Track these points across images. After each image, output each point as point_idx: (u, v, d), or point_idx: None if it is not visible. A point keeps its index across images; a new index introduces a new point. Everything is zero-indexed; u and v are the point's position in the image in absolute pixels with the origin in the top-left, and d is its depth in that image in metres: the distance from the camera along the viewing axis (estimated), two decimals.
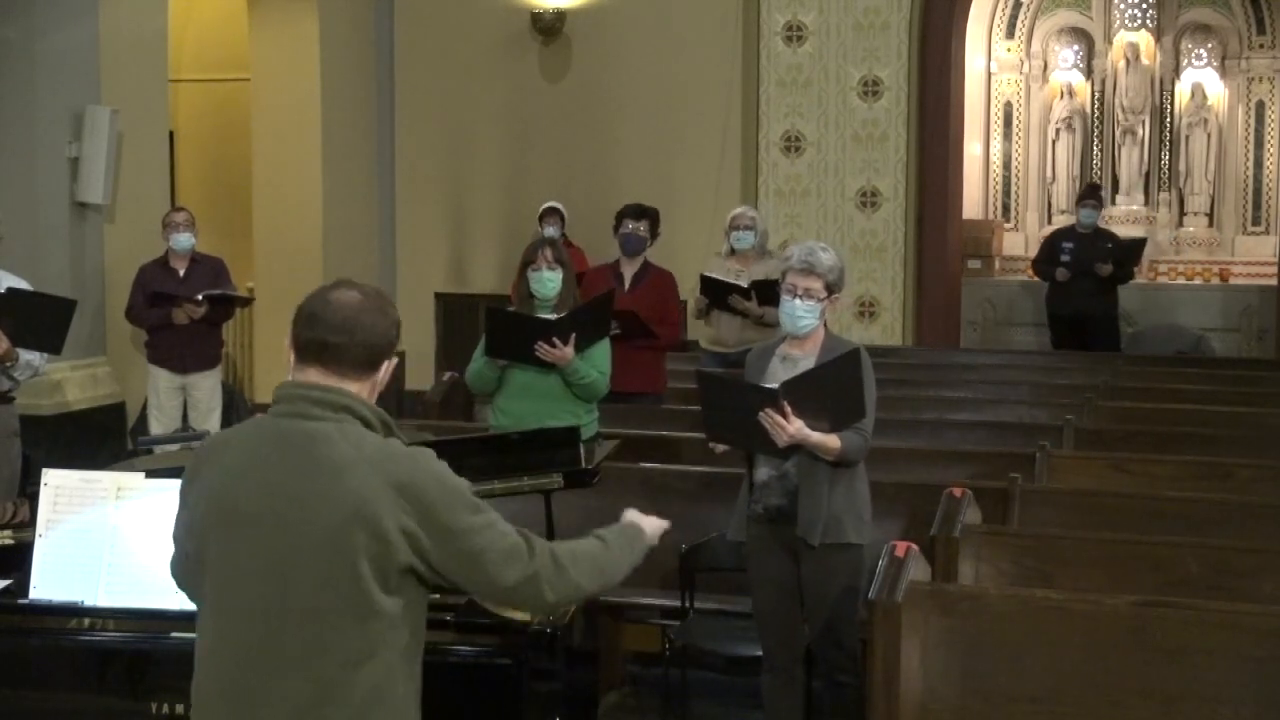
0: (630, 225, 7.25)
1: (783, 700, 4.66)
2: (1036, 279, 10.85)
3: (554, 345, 5.47)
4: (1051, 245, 10.44)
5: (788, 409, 4.28)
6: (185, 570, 2.69)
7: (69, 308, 6.22)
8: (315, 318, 2.60)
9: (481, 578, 2.62)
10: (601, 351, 5.69)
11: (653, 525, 3.17)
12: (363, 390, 2.63)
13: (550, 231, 9.23)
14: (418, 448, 2.64)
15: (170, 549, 2.76)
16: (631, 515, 3.18)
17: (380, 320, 2.62)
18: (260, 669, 2.51)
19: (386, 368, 2.66)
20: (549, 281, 5.62)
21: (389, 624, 2.54)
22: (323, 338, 2.59)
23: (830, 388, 4.35)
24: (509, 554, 2.63)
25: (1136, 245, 10.67)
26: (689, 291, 7.97)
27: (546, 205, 9.83)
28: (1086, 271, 10.06)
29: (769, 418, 4.29)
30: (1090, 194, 10.68)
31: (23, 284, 6.15)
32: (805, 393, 4.31)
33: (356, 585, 2.50)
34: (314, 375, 2.60)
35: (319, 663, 2.50)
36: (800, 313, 4.48)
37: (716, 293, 7.57)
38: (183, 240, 7.98)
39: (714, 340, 7.72)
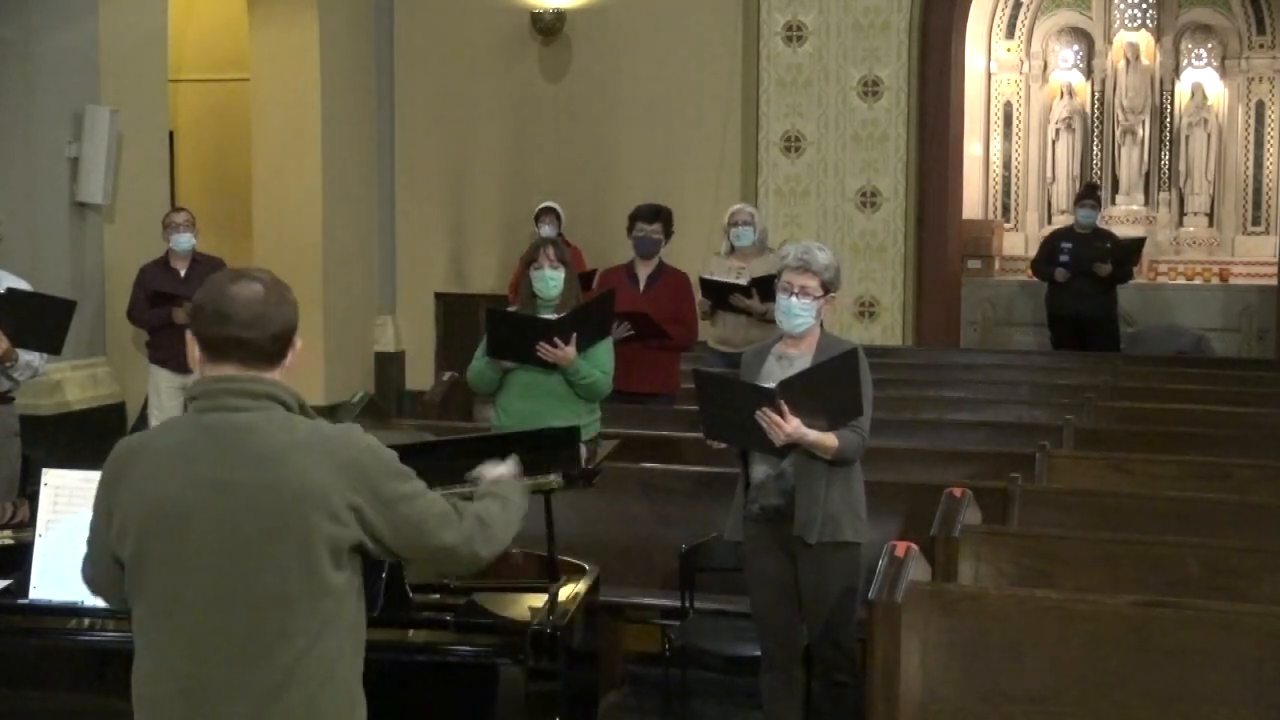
0: (644, 228, 7.22)
1: (782, 700, 4.66)
2: (1036, 279, 10.85)
3: (555, 345, 5.47)
4: (1050, 246, 10.44)
5: (784, 408, 4.29)
6: (110, 577, 2.69)
7: (69, 308, 6.22)
8: (223, 315, 2.62)
9: (424, 542, 2.71)
10: (604, 351, 5.69)
11: (510, 469, 3.25)
12: (276, 376, 2.68)
13: (546, 231, 9.23)
14: (346, 424, 2.72)
15: None
16: (491, 470, 3.22)
17: (284, 309, 2.67)
18: (221, 661, 2.54)
19: (293, 352, 2.71)
20: (551, 281, 5.62)
21: (337, 600, 2.61)
22: (235, 334, 2.62)
23: (827, 386, 4.36)
24: (443, 518, 2.74)
25: (1135, 245, 10.67)
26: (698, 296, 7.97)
27: (542, 205, 9.83)
28: (1086, 272, 10.05)
29: (766, 417, 4.29)
30: (1088, 194, 10.67)
31: (23, 284, 6.15)
32: (802, 392, 4.31)
33: (311, 566, 2.55)
34: (230, 369, 2.64)
35: (280, 647, 2.55)
36: (796, 311, 4.49)
37: (718, 294, 7.56)
38: (183, 241, 7.99)
39: (720, 340, 7.72)
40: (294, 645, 2.55)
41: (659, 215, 7.29)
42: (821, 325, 4.60)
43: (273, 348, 2.64)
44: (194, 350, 2.68)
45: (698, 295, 7.75)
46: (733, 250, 7.81)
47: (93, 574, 2.75)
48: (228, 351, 2.63)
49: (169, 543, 2.56)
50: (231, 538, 2.54)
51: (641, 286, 7.13)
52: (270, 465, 2.56)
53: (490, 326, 5.70)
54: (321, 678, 2.59)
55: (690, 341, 7.38)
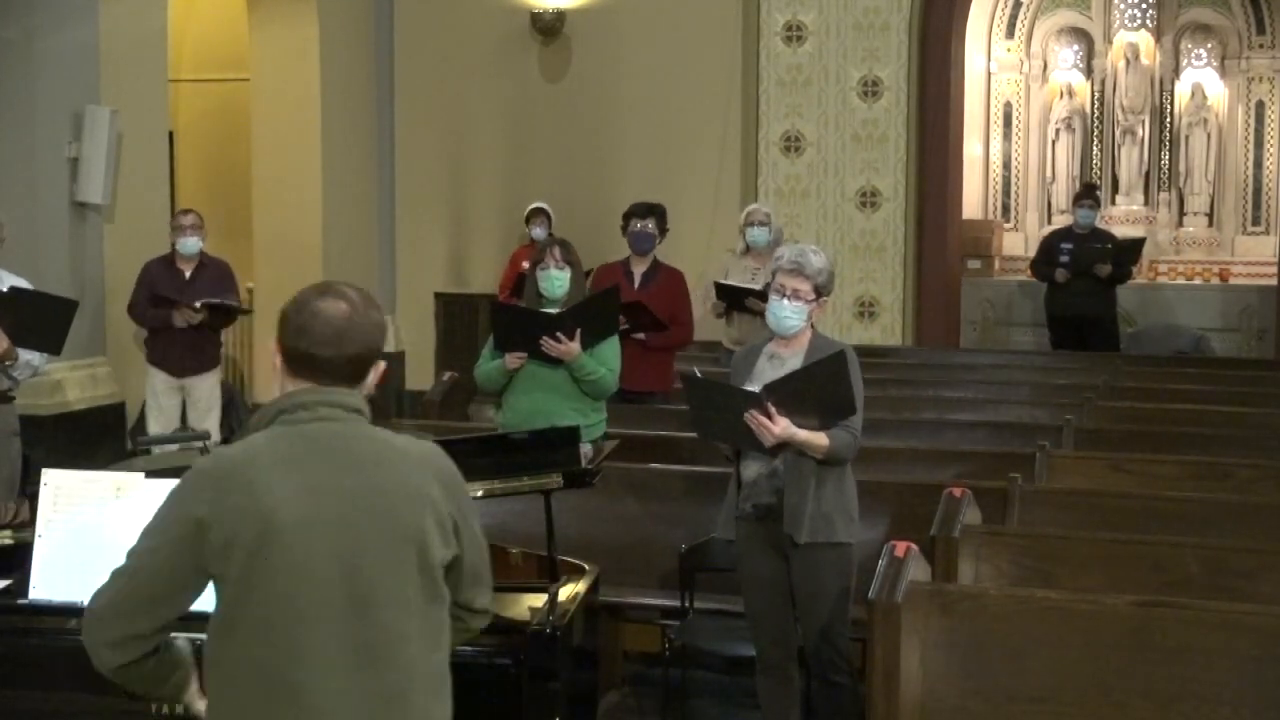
0: (639, 224, 7.24)
1: (778, 700, 4.66)
2: (1034, 279, 10.85)
3: (559, 340, 5.47)
4: (1049, 246, 10.43)
5: (772, 409, 4.29)
6: (175, 595, 2.53)
7: (71, 308, 6.22)
8: (303, 330, 2.57)
9: (482, 571, 2.69)
10: (611, 349, 5.69)
11: None
12: (361, 395, 2.64)
13: (538, 232, 9.25)
14: (428, 439, 2.70)
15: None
16: None
17: (367, 330, 2.60)
18: (339, 668, 2.47)
19: (374, 374, 2.65)
20: (557, 281, 5.63)
21: (444, 606, 2.60)
22: (314, 351, 2.56)
23: (815, 387, 4.37)
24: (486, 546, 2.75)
25: (1135, 245, 10.66)
26: (698, 295, 7.98)
27: (533, 206, 9.86)
28: (1086, 272, 10.05)
29: (754, 419, 4.30)
30: (1087, 194, 10.66)
31: (23, 284, 6.15)
32: (789, 393, 4.32)
33: (427, 571, 2.54)
34: (308, 386, 2.59)
35: (400, 653, 2.51)
36: (787, 313, 4.49)
37: (732, 297, 7.57)
38: (190, 244, 7.94)
39: (736, 341, 7.71)
40: (410, 651, 2.52)
41: (653, 211, 7.31)
42: (813, 326, 4.60)
43: (348, 369, 2.58)
44: (276, 359, 2.62)
45: (707, 299, 7.77)
46: (748, 250, 7.82)
47: (127, 603, 2.54)
48: (303, 367, 2.58)
49: (285, 553, 2.47)
50: (351, 542, 2.49)
51: (637, 284, 7.14)
52: (380, 470, 2.53)
53: (495, 320, 5.71)
54: (435, 688, 2.57)
55: (685, 341, 7.38)
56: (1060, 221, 12.96)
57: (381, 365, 2.66)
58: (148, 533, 2.57)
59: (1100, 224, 10.74)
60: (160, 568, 2.53)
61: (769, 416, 4.30)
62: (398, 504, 2.52)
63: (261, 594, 2.47)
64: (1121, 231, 11.45)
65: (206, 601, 2.55)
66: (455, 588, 2.65)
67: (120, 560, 2.59)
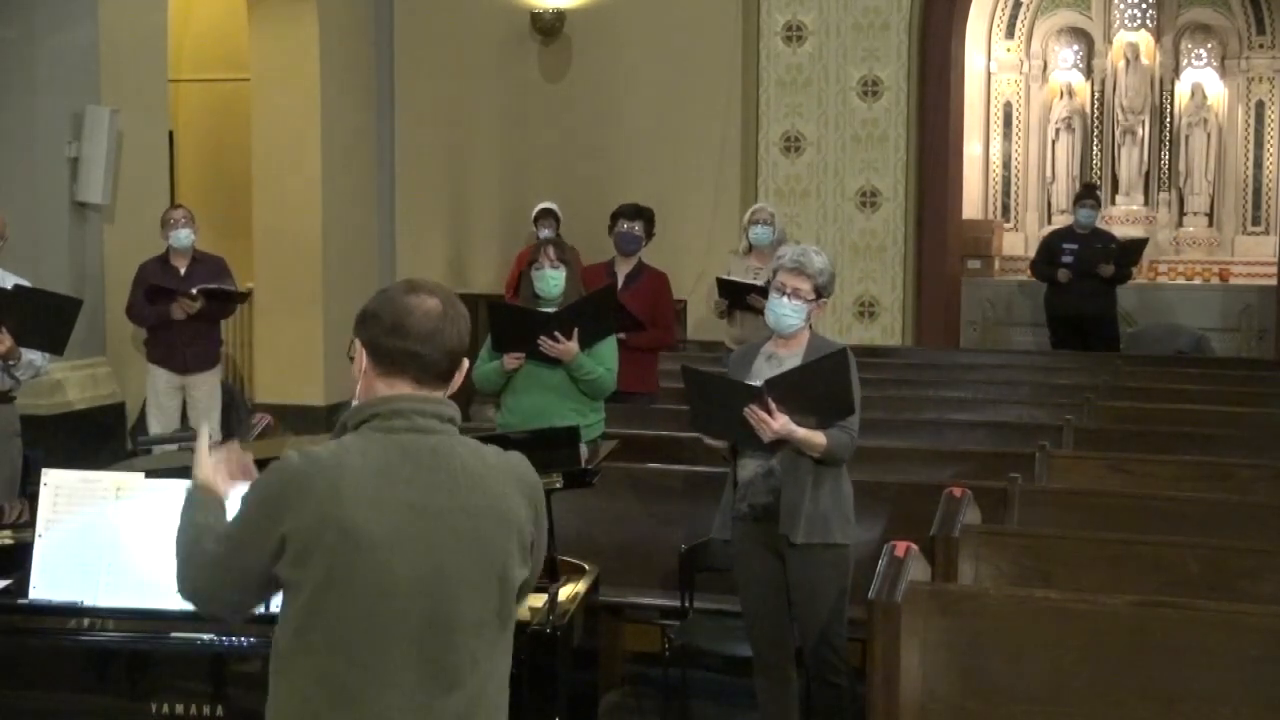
0: (625, 225, 7.28)
1: (776, 700, 4.66)
2: (1034, 279, 10.84)
3: (556, 340, 5.47)
4: (1050, 247, 10.43)
5: (772, 405, 4.30)
6: (245, 597, 2.55)
7: (75, 307, 6.21)
8: (400, 328, 2.52)
9: (526, 592, 2.65)
10: (608, 348, 5.69)
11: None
12: (446, 397, 2.60)
13: (545, 233, 9.24)
14: (517, 453, 2.65)
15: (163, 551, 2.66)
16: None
17: (459, 325, 2.57)
18: (411, 687, 2.44)
19: (460, 373, 2.62)
20: (553, 280, 5.62)
21: (511, 632, 2.59)
22: (412, 348, 2.51)
23: (816, 385, 4.38)
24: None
25: (1138, 245, 10.66)
26: (688, 291, 7.98)
27: (541, 206, 9.85)
28: (1088, 273, 10.05)
29: (753, 414, 4.31)
30: (1087, 194, 10.66)
31: (24, 284, 6.15)
32: (790, 390, 4.33)
33: (504, 594, 2.52)
34: (405, 387, 2.53)
35: (470, 675, 2.49)
36: (787, 312, 4.50)
37: (735, 293, 7.58)
38: (181, 237, 7.97)
39: (737, 340, 7.72)
40: (480, 673, 2.50)
41: (640, 214, 7.35)
42: (811, 327, 4.60)
43: (445, 365, 2.55)
44: (361, 360, 2.59)
45: (711, 296, 7.78)
46: (750, 249, 7.83)
47: (216, 589, 2.56)
48: (403, 366, 2.52)
49: (368, 570, 2.42)
50: (436, 565, 2.45)
51: (620, 284, 7.15)
52: (469, 489, 2.49)
53: (493, 320, 5.71)
54: (498, 709, 2.56)
55: (665, 342, 7.38)
56: (1060, 221, 12.97)
57: (465, 364, 2.63)
58: (232, 528, 2.55)
59: (1100, 224, 10.73)
60: (245, 559, 2.50)
61: (769, 412, 4.30)
62: (487, 529, 2.49)
63: (338, 606, 2.43)
64: (1121, 231, 11.46)
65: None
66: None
67: (120, 560, 2.59)
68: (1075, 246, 10.13)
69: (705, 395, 4.54)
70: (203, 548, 2.56)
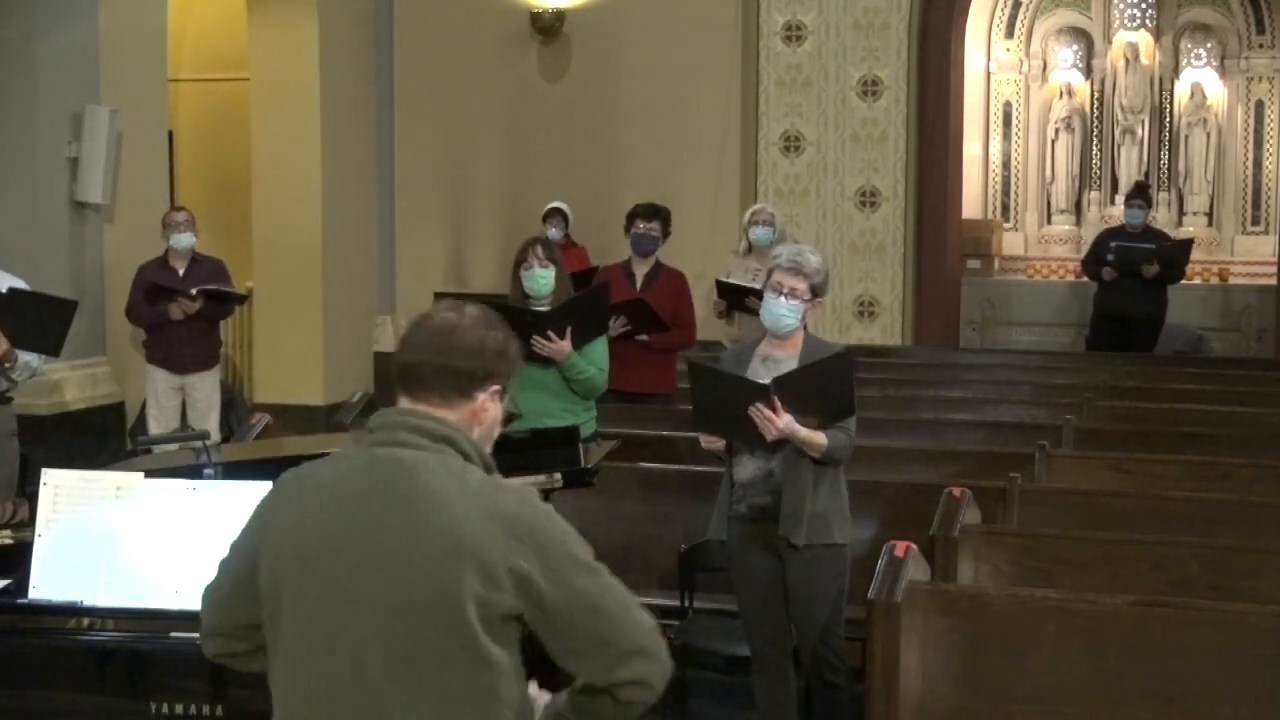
0: (643, 226, 7.23)
1: (775, 700, 4.66)
2: (1034, 279, 10.84)
3: (549, 339, 5.47)
4: (1099, 245, 10.40)
5: (778, 404, 4.30)
6: (236, 607, 2.46)
7: (70, 309, 6.21)
8: (403, 340, 2.44)
9: (601, 630, 2.35)
10: (600, 348, 5.69)
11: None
12: (460, 420, 2.42)
13: (553, 233, 9.23)
14: (524, 485, 2.49)
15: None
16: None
17: (473, 341, 2.42)
18: (356, 709, 2.30)
19: (485, 399, 2.44)
20: (542, 280, 5.62)
21: (499, 674, 2.31)
22: (407, 359, 2.42)
23: (820, 386, 4.39)
24: (630, 606, 2.38)
25: (1184, 246, 10.59)
26: (699, 294, 7.97)
27: (550, 206, 9.83)
28: (1134, 273, 10.01)
29: (759, 412, 4.31)
30: (1138, 193, 10.62)
31: (21, 284, 6.14)
32: (795, 389, 4.33)
33: (461, 628, 2.27)
34: (405, 402, 2.42)
35: (418, 708, 2.28)
36: (783, 311, 4.50)
37: (734, 296, 7.58)
38: (183, 240, 7.98)
39: (736, 340, 7.72)
40: (435, 707, 2.28)
41: (657, 214, 7.30)
42: (805, 327, 4.61)
43: (445, 380, 2.39)
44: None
45: (711, 297, 7.76)
46: (750, 249, 7.82)
47: (220, 595, 2.50)
48: (401, 380, 2.43)
49: (304, 581, 2.33)
50: (378, 582, 2.29)
51: (638, 285, 7.14)
52: (429, 510, 2.29)
53: None
54: None
55: (687, 342, 7.37)
56: (1060, 221, 13.00)
57: (500, 394, 2.47)
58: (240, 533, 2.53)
59: (1106, 223, 10.71)
60: (239, 559, 2.47)
61: (774, 410, 4.31)
62: (441, 553, 2.27)
63: (284, 622, 2.37)
64: None
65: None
66: (560, 632, 2.34)
67: (119, 560, 2.58)
68: (1118, 245, 10.10)
69: (711, 392, 4.54)
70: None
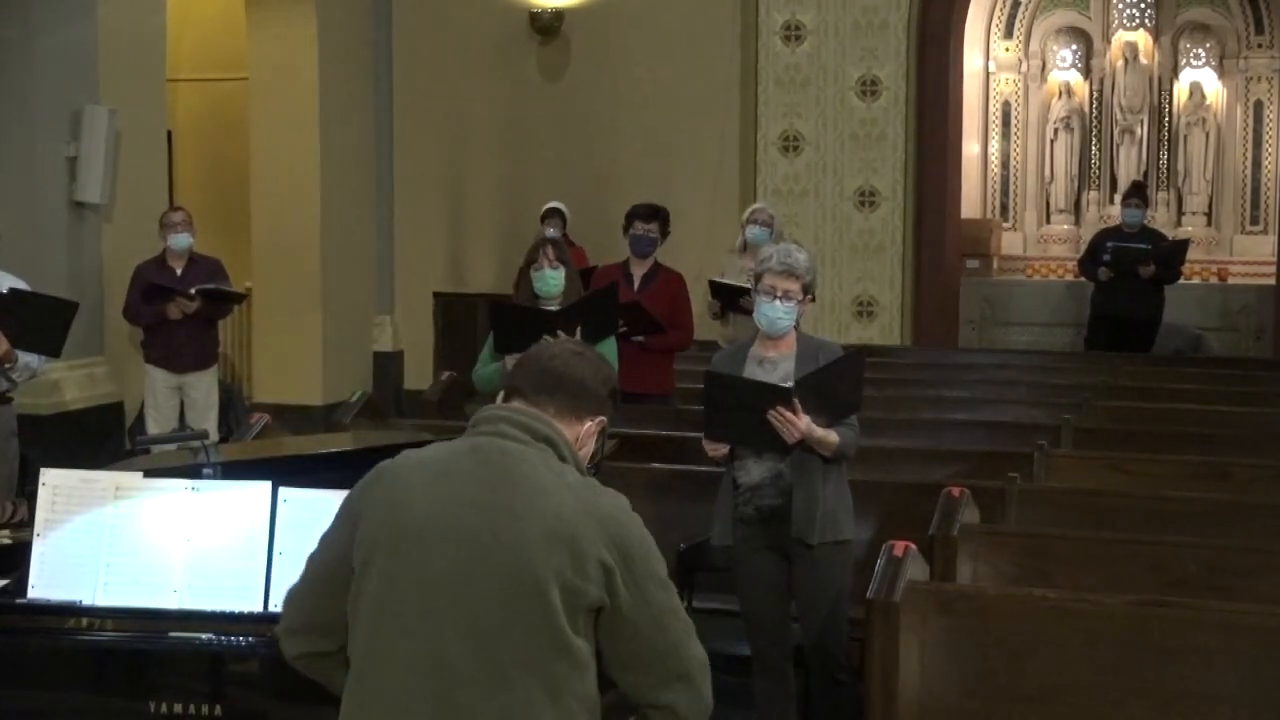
0: (641, 227, 7.19)
1: (775, 701, 4.66)
2: (1033, 278, 10.84)
3: (559, 338, 5.46)
4: (1096, 245, 10.39)
5: (798, 406, 4.30)
6: (327, 600, 2.48)
7: (71, 310, 6.20)
8: (541, 351, 2.61)
9: (659, 646, 2.45)
10: (608, 348, 5.69)
11: None
12: (566, 433, 2.52)
13: (552, 232, 9.22)
14: (618, 494, 2.54)
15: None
16: None
17: (605, 375, 2.59)
18: (442, 686, 2.34)
19: (591, 426, 2.57)
20: (552, 280, 5.63)
21: (575, 666, 2.38)
22: (547, 365, 2.56)
23: (837, 385, 4.41)
24: (690, 633, 2.52)
25: (1179, 246, 10.57)
26: (697, 295, 7.97)
27: (549, 205, 9.82)
28: (1130, 273, 10.00)
29: (780, 415, 4.30)
30: (1134, 193, 10.59)
31: (21, 284, 6.14)
32: (814, 390, 4.35)
33: (545, 611, 2.33)
34: (518, 403, 2.53)
35: (501, 689, 2.33)
36: (779, 314, 4.50)
37: (727, 296, 7.57)
38: (180, 240, 7.98)
39: (730, 340, 7.71)
40: (515, 690, 2.32)
41: (656, 215, 7.28)
42: (798, 326, 4.61)
43: (568, 392, 2.53)
44: None
45: (705, 298, 7.76)
46: (745, 248, 7.82)
47: (304, 589, 2.55)
48: (516, 390, 2.56)
49: (392, 561, 2.37)
50: (467, 561, 2.35)
51: (636, 286, 7.12)
52: (528, 495, 2.38)
53: (495, 321, 5.69)
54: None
55: (685, 343, 7.35)
56: (1059, 221, 12.99)
57: (602, 430, 2.59)
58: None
59: (1105, 223, 10.70)
60: (328, 554, 2.51)
61: (794, 413, 4.31)
62: (536, 535, 2.34)
63: (366, 599, 2.40)
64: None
65: (212, 602, 2.54)
66: (623, 636, 2.43)
67: (119, 560, 2.59)
68: (1115, 245, 10.09)
69: (726, 399, 4.51)
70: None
